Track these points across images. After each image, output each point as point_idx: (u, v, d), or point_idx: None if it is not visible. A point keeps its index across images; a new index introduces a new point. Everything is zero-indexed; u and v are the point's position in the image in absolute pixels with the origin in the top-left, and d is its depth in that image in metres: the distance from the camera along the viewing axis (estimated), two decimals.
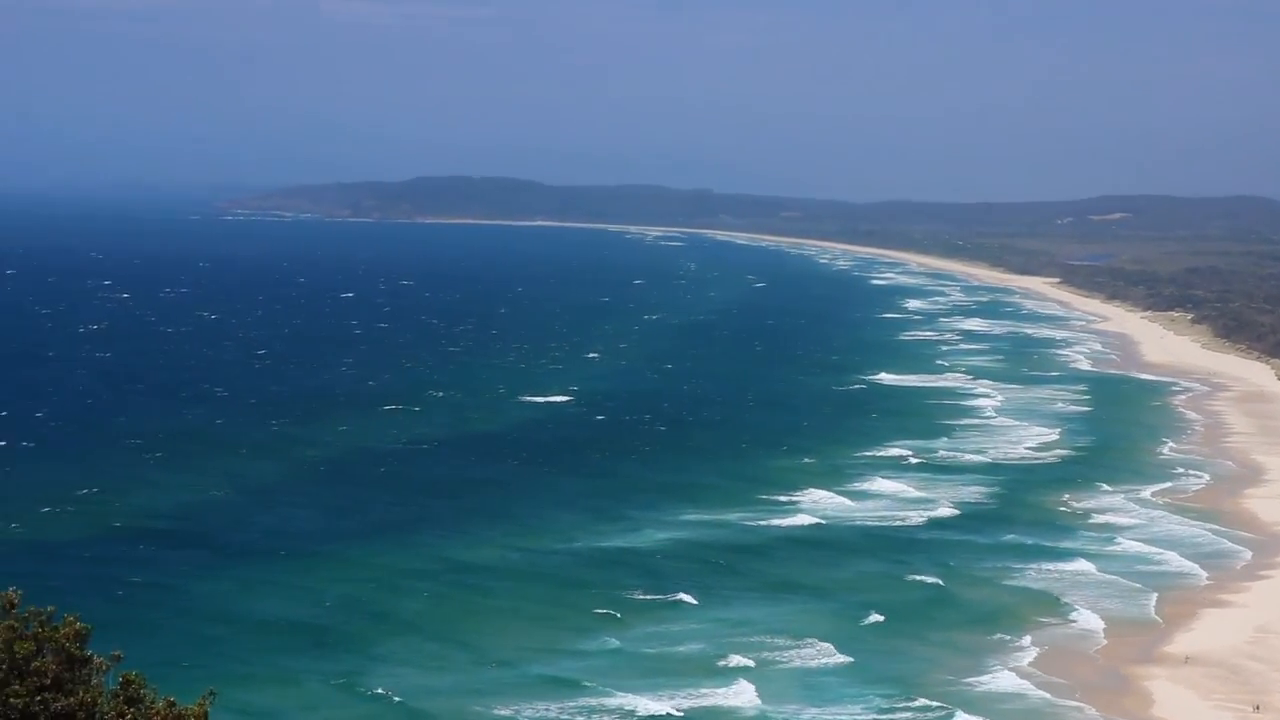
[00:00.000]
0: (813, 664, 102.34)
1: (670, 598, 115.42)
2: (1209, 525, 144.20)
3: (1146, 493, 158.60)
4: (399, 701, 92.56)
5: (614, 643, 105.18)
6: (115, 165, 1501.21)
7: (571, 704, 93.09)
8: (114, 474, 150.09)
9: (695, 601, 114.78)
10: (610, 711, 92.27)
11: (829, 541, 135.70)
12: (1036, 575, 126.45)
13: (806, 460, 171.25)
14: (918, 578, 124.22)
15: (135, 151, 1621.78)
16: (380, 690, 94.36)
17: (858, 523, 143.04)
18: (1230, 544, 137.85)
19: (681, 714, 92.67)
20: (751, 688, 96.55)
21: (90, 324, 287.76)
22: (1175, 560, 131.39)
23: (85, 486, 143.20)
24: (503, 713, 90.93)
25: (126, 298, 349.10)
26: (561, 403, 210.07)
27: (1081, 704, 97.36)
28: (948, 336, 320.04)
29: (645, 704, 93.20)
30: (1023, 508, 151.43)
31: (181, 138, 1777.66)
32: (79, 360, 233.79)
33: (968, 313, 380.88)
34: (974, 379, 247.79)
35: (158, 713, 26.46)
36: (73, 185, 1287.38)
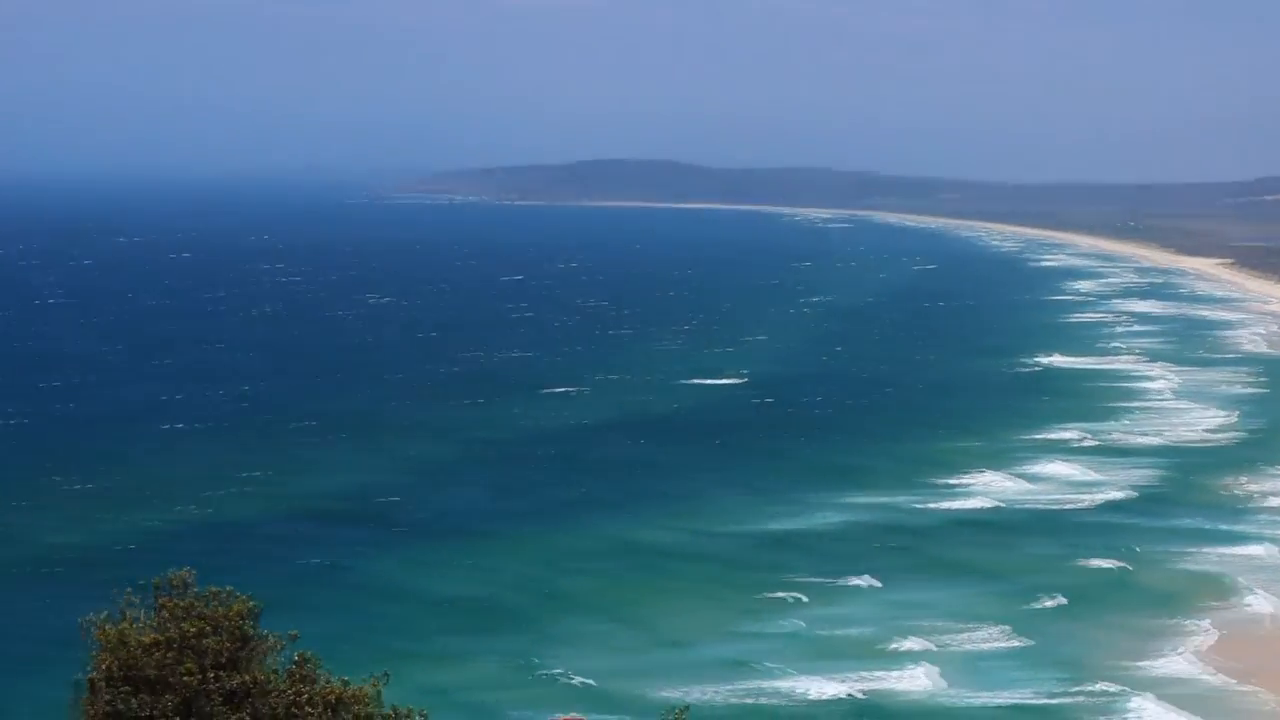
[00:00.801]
0: (989, 647, 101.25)
1: (844, 580, 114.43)
2: None
3: None
4: (576, 683, 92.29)
5: (789, 625, 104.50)
6: (282, 150, 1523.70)
7: (748, 686, 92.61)
8: (286, 455, 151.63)
9: (870, 584, 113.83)
10: (787, 694, 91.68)
11: (1002, 524, 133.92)
12: (1212, 559, 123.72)
13: (977, 442, 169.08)
14: (1092, 561, 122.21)
15: (301, 136, 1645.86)
16: (556, 670, 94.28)
17: (1031, 505, 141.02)
18: None
19: (860, 696, 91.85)
20: (929, 671, 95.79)
21: (262, 307, 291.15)
22: None
23: (258, 468, 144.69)
24: (678, 694, 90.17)
25: (297, 280, 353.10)
26: (729, 385, 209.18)
27: (1258, 688, 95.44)
28: (1118, 318, 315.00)
29: (822, 687, 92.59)
30: (1197, 490, 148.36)
31: (347, 121, 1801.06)
32: (252, 343, 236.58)
33: (1138, 294, 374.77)
34: (1146, 361, 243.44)
35: (330, 692, 26.03)
36: (241, 170, 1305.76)
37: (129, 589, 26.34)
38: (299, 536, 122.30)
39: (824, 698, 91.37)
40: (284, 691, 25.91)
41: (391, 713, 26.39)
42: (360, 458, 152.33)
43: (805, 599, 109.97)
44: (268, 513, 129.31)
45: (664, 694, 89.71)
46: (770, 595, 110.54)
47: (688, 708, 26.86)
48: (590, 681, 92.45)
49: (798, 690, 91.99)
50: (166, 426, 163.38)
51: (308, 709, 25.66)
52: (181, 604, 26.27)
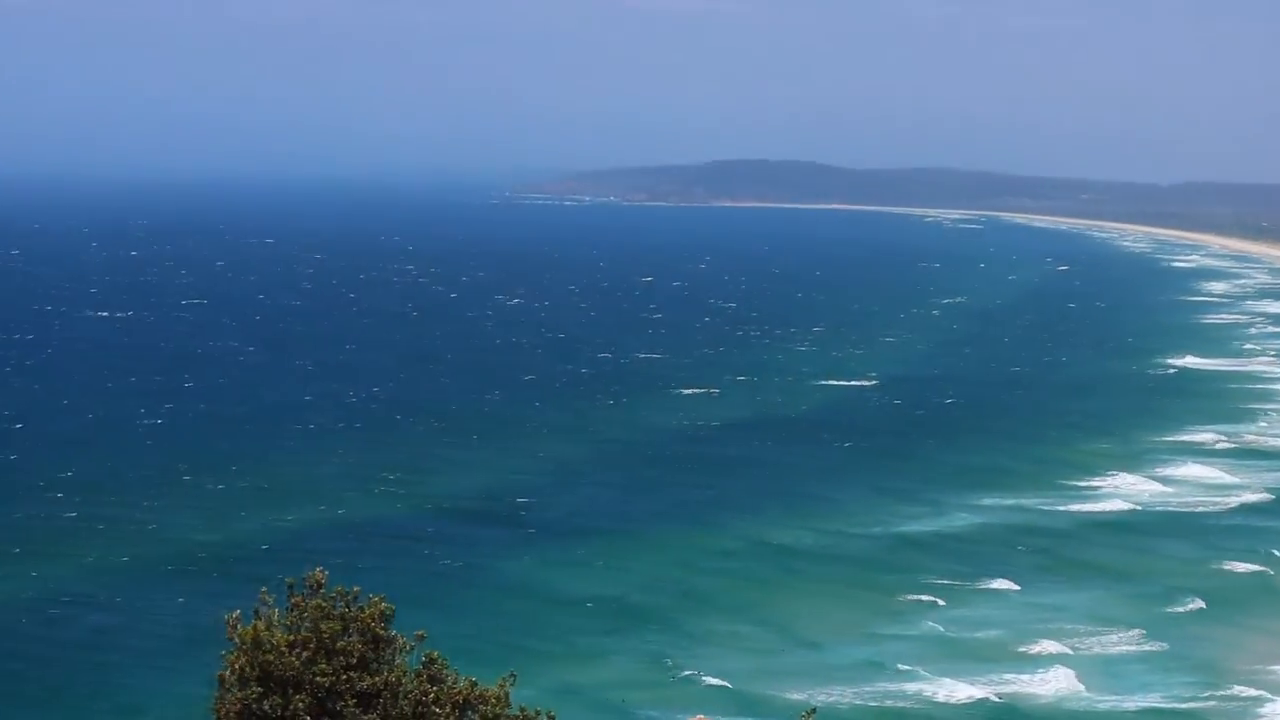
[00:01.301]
0: (1125, 650, 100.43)
1: (980, 583, 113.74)
2: None
3: None
4: (709, 683, 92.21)
5: (924, 627, 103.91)
6: (414, 152, 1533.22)
7: (882, 688, 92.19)
8: (420, 455, 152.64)
9: (1006, 587, 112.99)
10: (921, 697, 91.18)
11: (1139, 527, 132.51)
12: None
13: (1112, 444, 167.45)
14: (1231, 564, 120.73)
15: (433, 138, 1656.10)
16: (689, 671, 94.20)
17: (1167, 508, 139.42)
18: None
19: (995, 699, 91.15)
20: (1065, 674, 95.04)
21: (395, 307, 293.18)
22: None
23: (392, 468, 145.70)
24: (811, 696, 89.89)
25: (429, 282, 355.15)
26: (860, 386, 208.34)
27: None
28: (1253, 320, 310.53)
29: (957, 689, 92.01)
30: None
31: (478, 123, 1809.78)
32: (384, 343, 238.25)
33: (1273, 295, 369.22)
34: None
35: (459, 692, 26.09)
36: (375, 172, 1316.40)
37: (263, 588, 26.51)
38: (433, 536, 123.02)
39: (959, 700, 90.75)
40: (413, 692, 25.98)
41: (520, 714, 26.36)
42: (493, 457, 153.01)
43: (940, 601, 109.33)
44: (402, 512, 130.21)
45: (796, 696, 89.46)
46: (905, 597, 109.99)
47: (814, 710, 26.64)
48: (723, 682, 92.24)
49: (932, 693, 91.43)
50: (301, 426, 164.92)
51: (435, 709, 25.70)
52: (314, 604, 26.37)
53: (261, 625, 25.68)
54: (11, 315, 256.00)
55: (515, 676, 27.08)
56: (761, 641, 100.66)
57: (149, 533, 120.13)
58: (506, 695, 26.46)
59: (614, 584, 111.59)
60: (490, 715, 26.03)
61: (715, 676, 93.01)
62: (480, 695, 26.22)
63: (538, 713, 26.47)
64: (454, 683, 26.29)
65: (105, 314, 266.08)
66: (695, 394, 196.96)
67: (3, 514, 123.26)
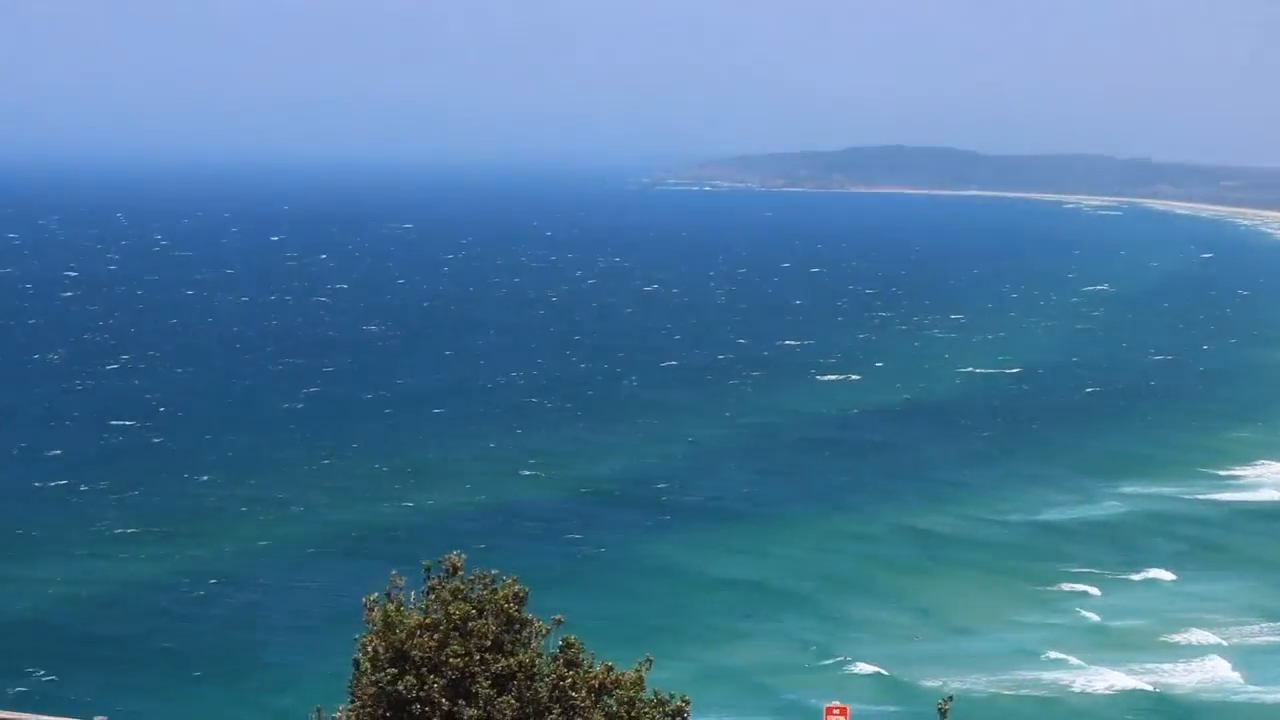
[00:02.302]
0: None
1: (1131, 571, 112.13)
2: None
3: None
4: (851, 669, 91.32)
5: (1073, 614, 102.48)
6: (552, 137, 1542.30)
7: (1030, 676, 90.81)
8: (558, 438, 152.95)
9: (1158, 575, 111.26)
10: (1071, 685, 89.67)
11: None
12: None
13: (1257, 433, 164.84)
14: None
15: (571, 123, 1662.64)
16: (830, 654, 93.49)
17: None
18: None
19: (1148, 689, 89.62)
20: (1219, 664, 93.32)
21: (535, 292, 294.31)
22: None
23: (531, 451, 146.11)
24: (957, 684, 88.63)
25: (569, 267, 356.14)
26: (1000, 373, 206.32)
27: None
28: None
29: (1112, 678, 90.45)
30: None
31: (617, 109, 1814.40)
32: (523, 327, 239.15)
33: None
34: None
35: (596, 676, 25.68)
36: (510, 159, 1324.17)
37: (394, 571, 26.33)
38: (572, 519, 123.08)
39: (1110, 689, 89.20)
40: (549, 675, 25.70)
41: (655, 698, 25.95)
42: (631, 441, 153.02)
43: (1089, 589, 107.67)
44: (541, 495, 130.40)
45: (940, 683, 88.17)
46: (1053, 585, 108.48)
47: (951, 698, 25.96)
48: (867, 667, 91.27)
49: (1083, 681, 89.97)
50: (440, 410, 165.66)
51: (571, 693, 25.37)
52: (449, 587, 26.16)
53: (393, 607, 25.55)
54: (158, 299, 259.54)
55: (651, 661, 26.65)
56: (904, 627, 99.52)
57: (292, 514, 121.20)
58: (642, 679, 26.06)
59: (754, 567, 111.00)
60: (626, 699, 25.64)
61: (857, 661, 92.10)
62: (616, 679, 25.85)
63: (673, 696, 26.04)
64: (590, 666, 25.97)
65: (246, 298, 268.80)
66: (834, 380, 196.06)
67: (152, 496, 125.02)
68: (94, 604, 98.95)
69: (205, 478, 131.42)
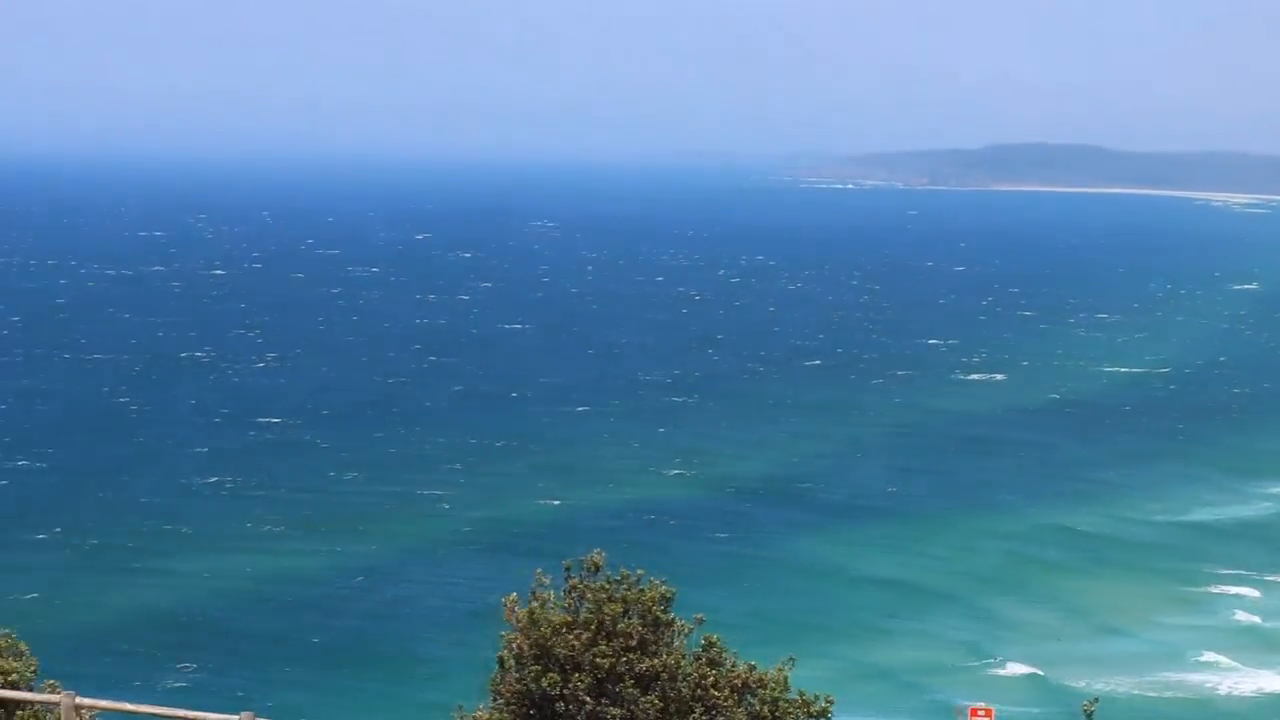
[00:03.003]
0: None
1: None
2: None
3: None
4: (996, 668, 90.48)
5: (1230, 617, 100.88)
6: (686, 134, 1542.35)
7: (1186, 677, 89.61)
8: (700, 436, 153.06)
9: None
10: (1225, 689, 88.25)
11: None
12: None
13: None
14: None
15: (713, 122, 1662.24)
16: (980, 655, 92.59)
17: None
18: None
19: None
20: None
21: (675, 289, 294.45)
22: None
23: (673, 449, 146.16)
24: (1110, 684, 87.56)
25: (706, 266, 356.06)
26: (1146, 372, 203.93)
27: None
28: None
29: (1266, 680, 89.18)
30: None
31: (754, 106, 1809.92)
32: (666, 326, 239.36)
33: None
34: None
35: (738, 675, 25.66)
36: (648, 154, 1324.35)
37: (538, 569, 26.48)
38: (716, 515, 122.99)
39: (1259, 692, 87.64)
40: (692, 675, 25.73)
41: (799, 697, 25.88)
42: (773, 438, 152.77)
43: (1245, 590, 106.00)
44: (684, 493, 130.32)
45: (1084, 683, 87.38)
46: (1204, 586, 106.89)
47: (1096, 699, 25.68)
48: (1018, 666, 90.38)
49: (1231, 684, 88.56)
50: (583, 408, 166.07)
51: (714, 692, 25.37)
52: (593, 586, 26.26)
53: (537, 605, 25.69)
54: (304, 298, 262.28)
55: (794, 660, 26.56)
56: (1051, 627, 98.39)
57: (436, 510, 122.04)
58: (785, 679, 25.97)
59: (898, 565, 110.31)
60: (769, 699, 25.60)
61: (1007, 661, 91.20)
62: (759, 679, 25.79)
63: (816, 697, 25.95)
64: (733, 666, 25.97)
65: (391, 296, 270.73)
66: (977, 379, 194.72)
67: (298, 492, 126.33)
68: (242, 598, 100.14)
69: (350, 475, 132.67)
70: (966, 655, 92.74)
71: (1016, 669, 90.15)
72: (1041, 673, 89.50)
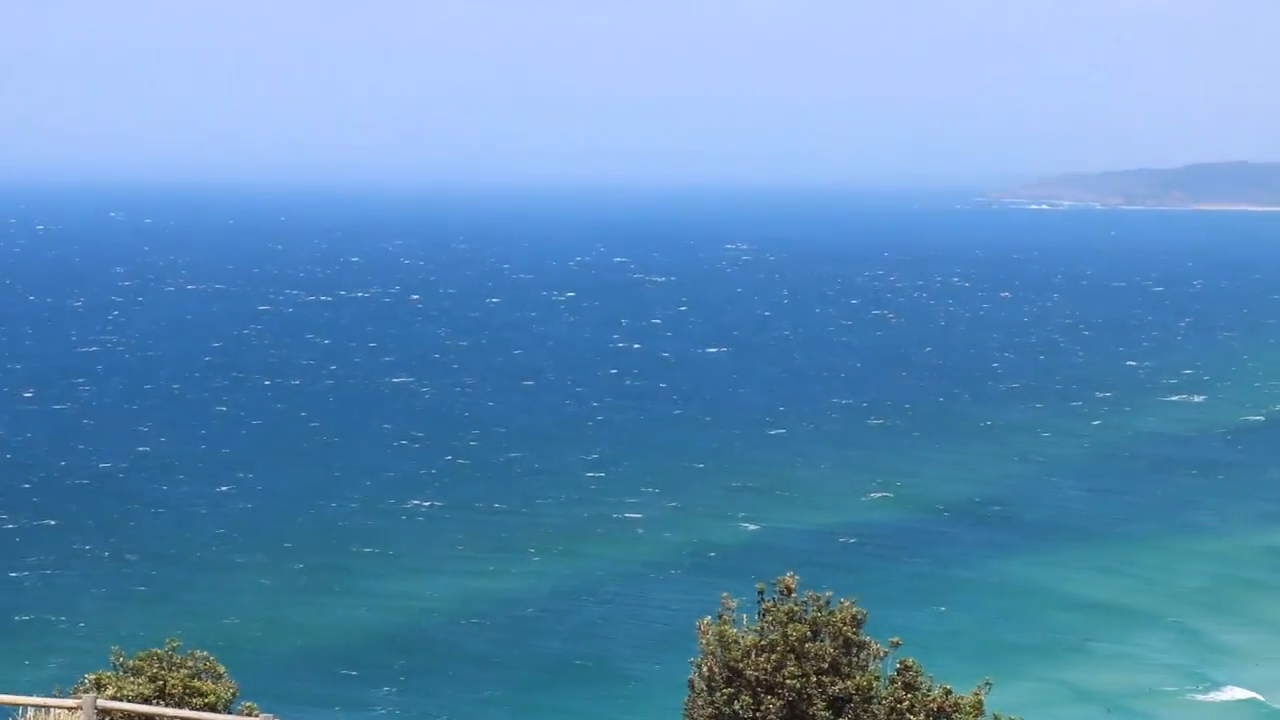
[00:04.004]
0: None
1: None
2: None
3: None
4: (1211, 695, 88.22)
5: None
6: (884, 158, 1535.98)
7: None
8: (894, 457, 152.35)
9: None
10: None
11: None
12: None
13: None
14: None
15: (907, 146, 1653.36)
16: (1206, 680, 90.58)
17: None
18: None
19: None
20: None
21: (867, 312, 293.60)
22: None
23: (868, 470, 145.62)
24: None
25: (904, 285, 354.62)
26: None
27: None
28: None
29: None
30: None
31: (950, 126, 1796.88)
32: (852, 348, 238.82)
33: None
34: None
35: (934, 700, 25.60)
36: (845, 180, 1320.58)
37: (725, 593, 26.64)
38: (913, 536, 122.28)
39: None
40: (886, 698, 25.71)
41: None
42: (971, 460, 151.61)
43: None
44: (881, 515, 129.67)
45: None
46: None
47: None
48: (1230, 689, 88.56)
49: None
50: (777, 430, 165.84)
51: (909, 716, 25.34)
52: (784, 608, 26.33)
53: (728, 627, 25.81)
54: (498, 322, 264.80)
55: (991, 684, 26.47)
56: (1268, 650, 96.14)
57: (634, 534, 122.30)
58: (981, 703, 25.90)
59: (1101, 585, 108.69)
60: None
61: (1220, 684, 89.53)
62: (955, 703, 25.71)
63: None
64: (929, 690, 25.90)
65: (584, 320, 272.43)
66: (1176, 400, 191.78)
67: (494, 514, 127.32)
68: (445, 619, 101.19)
69: (547, 496, 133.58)
70: (1176, 678, 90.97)
71: (1235, 693, 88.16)
72: (1263, 698, 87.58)
